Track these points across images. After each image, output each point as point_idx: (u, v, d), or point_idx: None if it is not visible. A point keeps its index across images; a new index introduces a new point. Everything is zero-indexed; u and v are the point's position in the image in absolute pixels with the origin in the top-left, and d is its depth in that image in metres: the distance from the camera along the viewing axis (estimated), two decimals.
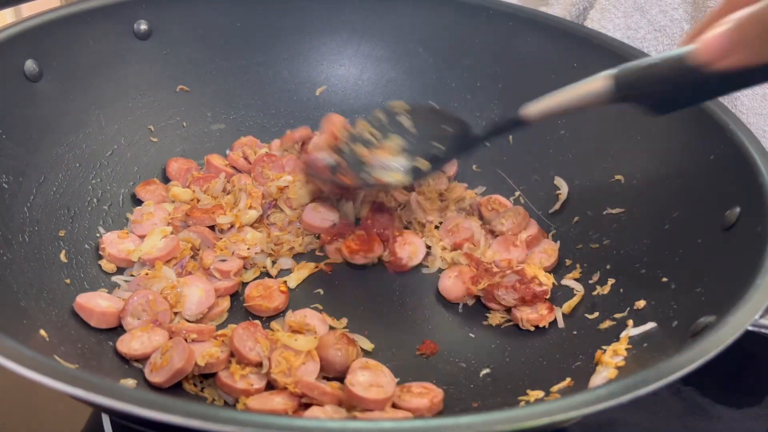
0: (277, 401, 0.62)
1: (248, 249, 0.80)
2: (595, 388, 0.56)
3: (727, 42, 0.49)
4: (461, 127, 0.78)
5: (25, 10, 1.20)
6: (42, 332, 0.60)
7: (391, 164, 0.76)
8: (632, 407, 0.45)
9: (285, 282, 0.78)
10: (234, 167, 0.92)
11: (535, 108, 0.67)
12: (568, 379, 0.65)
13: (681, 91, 0.57)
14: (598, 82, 0.61)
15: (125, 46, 0.87)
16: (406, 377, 0.68)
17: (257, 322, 0.69)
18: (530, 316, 0.74)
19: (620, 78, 0.59)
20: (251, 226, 0.84)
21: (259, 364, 0.65)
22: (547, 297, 0.76)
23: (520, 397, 0.65)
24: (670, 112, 0.60)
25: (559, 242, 0.84)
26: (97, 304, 0.69)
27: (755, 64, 0.49)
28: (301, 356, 0.65)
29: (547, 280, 0.76)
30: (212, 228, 0.82)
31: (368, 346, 0.72)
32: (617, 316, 0.70)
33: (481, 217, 0.89)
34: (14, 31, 0.75)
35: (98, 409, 0.64)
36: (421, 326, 0.76)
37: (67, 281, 0.72)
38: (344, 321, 0.75)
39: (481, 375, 0.70)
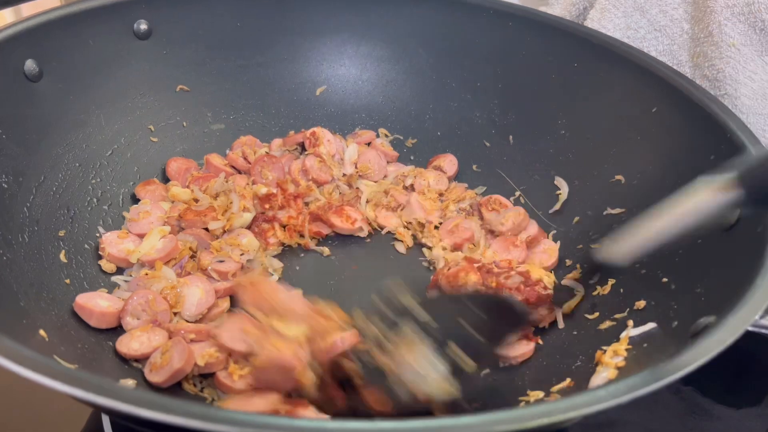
0: (257, 402, 0.61)
1: (241, 255, 0.79)
2: (595, 388, 0.56)
3: None
4: (496, 305, 0.60)
5: (25, 10, 1.20)
6: (42, 332, 0.60)
7: (424, 369, 0.56)
8: (632, 407, 0.45)
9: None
10: (234, 167, 0.92)
11: (622, 247, 0.52)
12: (568, 380, 0.65)
13: None
14: (717, 194, 0.47)
15: (125, 46, 0.87)
16: None
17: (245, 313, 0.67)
18: (530, 316, 0.74)
19: (750, 179, 0.46)
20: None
21: (249, 355, 0.62)
22: (551, 300, 0.76)
23: (520, 397, 0.65)
24: None
25: (559, 242, 0.84)
26: (96, 304, 0.69)
27: None
28: (293, 344, 0.61)
29: (549, 280, 0.76)
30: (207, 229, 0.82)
31: None
32: (617, 316, 0.70)
33: (481, 218, 0.89)
34: (14, 31, 0.75)
35: (98, 409, 0.64)
36: None
37: (67, 281, 0.72)
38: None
39: (481, 375, 0.70)
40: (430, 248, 0.85)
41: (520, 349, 0.71)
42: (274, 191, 0.86)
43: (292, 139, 0.95)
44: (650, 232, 0.52)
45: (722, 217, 0.48)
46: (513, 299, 0.62)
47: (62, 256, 0.73)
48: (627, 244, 0.53)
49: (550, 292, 0.75)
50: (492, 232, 0.86)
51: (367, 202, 0.90)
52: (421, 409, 0.55)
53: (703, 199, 0.47)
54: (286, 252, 0.84)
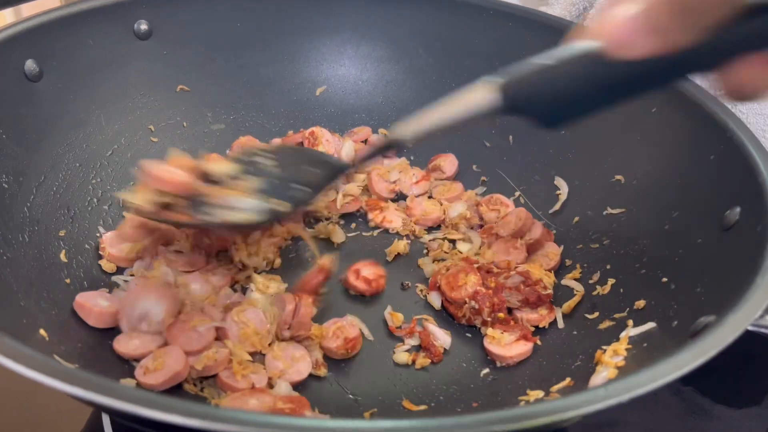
0: (252, 402, 0.61)
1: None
2: (595, 388, 0.56)
3: (637, 26, 0.42)
4: (328, 165, 0.74)
5: (25, 10, 1.20)
6: (42, 332, 0.60)
7: (238, 204, 0.68)
8: (632, 407, 0.45)
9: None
10: None
11: (409, 128, 0.59)
12: (568, 379, 0.65)
13: (582, 95, 0.48)
14: (480, 94, 0.52)
15: (125, 46, 0.87)
16: (407, 377, 0.68)
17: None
18: (530, 316, 0.74)
19: (509, 87, 0.51)
20: None
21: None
22: (551, 300, 0.76)
23: (520, 397, 0.65)
24: (564, 124, 0.51)
25: (562, 246, 0.83)
26: (96, 303, 0.69)
27: (669, 52, 0.42)
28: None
29: (549, 280, 0.76)
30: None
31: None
32: (617, 316, 0.70)
33: (480, 218, 0.88)
34: (14, 31, 0.75)
35: (98, 408, 0.64)
36: None
37: (67, 281, 0.72)
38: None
39: (481, 375, 0.70)
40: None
41: (518, 348, 0.71)
42: None
43: (291, 139, 0.95)
44: (431, 117, 0.57)
45: (487, 118, 0.53)
46: (332, 158, 0.77)
47: (62, 256, 0.73)
48: (412, 127, 0.59)
49: (550, 292, 0.75)
50: (496, 235, 0.85)
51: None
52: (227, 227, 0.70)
53: (469, 100, 0.53)
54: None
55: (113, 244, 0.77)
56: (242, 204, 0.68)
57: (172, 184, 0.68)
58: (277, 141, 0.96)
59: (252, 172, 0.72)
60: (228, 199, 0.68)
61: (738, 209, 0.64)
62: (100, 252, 0.77)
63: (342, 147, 0.95)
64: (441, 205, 0.90)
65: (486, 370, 0.70)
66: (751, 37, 0.42)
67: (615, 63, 0.44)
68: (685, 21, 0.41)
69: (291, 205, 0.69)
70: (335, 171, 0.73)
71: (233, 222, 0.67)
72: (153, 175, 0.68)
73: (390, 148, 0.64)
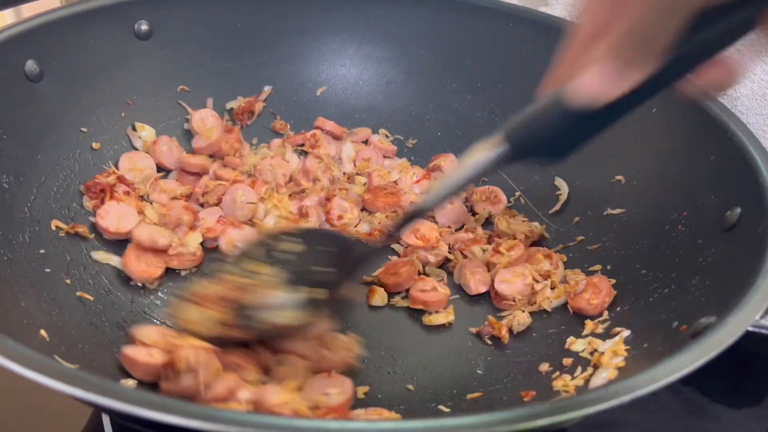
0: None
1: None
2: (595, 388, 0.57)
3: (612, 73, 0.46)
4: (342, 243, 0.70)
5: (26, 10, 1.20)
6: (42, 332, 0.60)
7: (276, 302, 0.64)
8: (632, 407, 0.45)
9: None
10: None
11: (430, 197, 0.63)
12: (569, 379, 0.65)
13: (573, 129, 0.52)
14: (487, 149, 0.56)
15: (126, 46, 0.87)
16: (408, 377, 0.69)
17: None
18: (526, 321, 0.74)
19: (512, 137, 0.55)
20: None
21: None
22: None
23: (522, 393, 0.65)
24: (570, 155, 0.55)
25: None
26: (144, 355, 0.63)
27: (643, 79, 0.46)
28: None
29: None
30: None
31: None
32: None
33: (471, 208, 0.89)
34: (15, 32, 0.75)
35: (98, 409, 0.64)
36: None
37: (68, 281, 0.72)
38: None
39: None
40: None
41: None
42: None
43: (291, 140, 0.95)
44: (448, 182, 0.61)
45: (501, 168, 0.57)
46: (353, 240, 0.73)
47: (63, 256, 0.73)
48: (432, 195, 0.63)
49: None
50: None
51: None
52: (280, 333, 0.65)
53: (480, 156, 0.57)
54: None
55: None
56: (278, 300, 0.65)
57: (215, 298, 0.65)
58: (276, 142, 0.96)
59: (270, 261, 0.68)
60: (264, 299, 0.65)
61: (738, 210, 0.64)
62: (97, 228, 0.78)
63: (342, 149, 0.95)
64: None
65: (480, 371, 0.70)
66: (701, 48, 0.46)
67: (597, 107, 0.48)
68: (644, 53, 0.45)
69: (326, 291, 0.66)
70: (363, 253, 0.70)
71: (280, 324, 0.64)
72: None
73: (415, 217, 0.66)
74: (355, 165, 0.95)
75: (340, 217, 0.86)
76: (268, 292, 0.65)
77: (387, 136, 0.98)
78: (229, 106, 0.95)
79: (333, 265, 0.68)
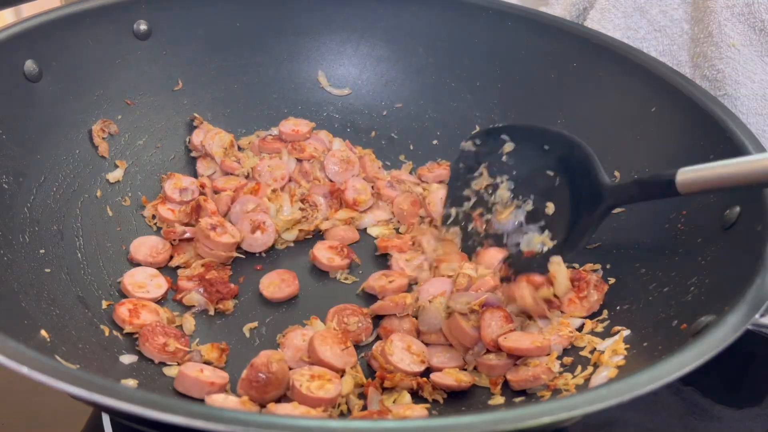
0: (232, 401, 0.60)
1: None
2: (595, 388, 0.56)
3: None
4: (569, 145, 0.66)
5: (25, 10, 1.20)
6: (43, 332, 0.60)
7: (524, 228, 0.62)
8: (632, 407, 0.45)
9: None
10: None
11: (691, 176, 0.60)
12: (569, 377, 0.65)
13: None
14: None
15: (125, 46, 0.87)
16: None
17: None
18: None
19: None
20: None
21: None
22: None
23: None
24: None
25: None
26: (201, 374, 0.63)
27: None
28: None
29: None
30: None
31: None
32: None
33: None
34: (14, 32, 0.75)
35: (99, 408, 0.64)
36: None
37: (68, 281, 0.72)
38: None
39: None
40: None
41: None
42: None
43: (267, 145, 0.93)
44: (719, 171, 0.59)
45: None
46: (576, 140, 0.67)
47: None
48: (693, 176, 0.61)
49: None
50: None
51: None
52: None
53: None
54: None
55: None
56: (526, 227, 0.63)
57: None
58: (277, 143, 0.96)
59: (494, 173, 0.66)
60: (508, 226, 0.64)
61: (738, 209, 0.64)
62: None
63: (332, 145, 0.95)
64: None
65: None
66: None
67: None
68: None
69: (553, 205, 0.65)
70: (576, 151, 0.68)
71: (536, 252, 0.64)
72: None
73: (662, 194, 0.64)
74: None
75: (356, 202, 0.88)
76: (506, 217, 0.64)
77: (390, 138, 0.98)
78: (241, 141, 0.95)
79: (555, 166, 0.65)
